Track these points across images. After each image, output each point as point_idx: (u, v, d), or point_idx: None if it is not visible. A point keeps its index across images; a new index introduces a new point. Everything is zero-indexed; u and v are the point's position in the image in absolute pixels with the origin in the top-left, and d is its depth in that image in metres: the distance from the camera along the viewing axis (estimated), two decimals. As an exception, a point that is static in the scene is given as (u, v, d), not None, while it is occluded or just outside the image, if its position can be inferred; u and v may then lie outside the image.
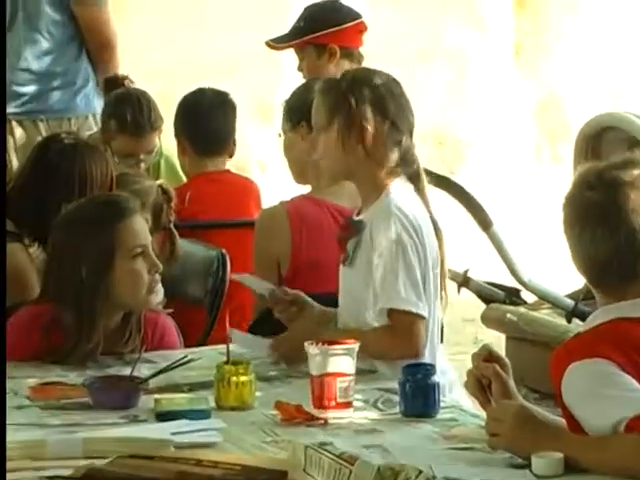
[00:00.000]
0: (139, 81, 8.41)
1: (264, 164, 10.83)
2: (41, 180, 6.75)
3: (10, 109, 9.23)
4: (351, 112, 5.76)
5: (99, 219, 5.70)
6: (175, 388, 5.15)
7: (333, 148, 5.77)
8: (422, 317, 5.57)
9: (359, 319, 5.73)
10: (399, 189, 5.89)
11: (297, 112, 6.92)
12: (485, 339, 7.22)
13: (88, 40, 9.44)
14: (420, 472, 3.86)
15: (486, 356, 4.55)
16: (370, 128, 5.73)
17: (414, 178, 6.03)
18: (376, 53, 7.91)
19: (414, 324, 5.51)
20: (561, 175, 4.26)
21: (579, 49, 14.40)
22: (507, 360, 4.49)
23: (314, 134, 6.02)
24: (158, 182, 7.08)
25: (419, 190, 6.04)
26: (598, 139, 6.63)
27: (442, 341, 5.90)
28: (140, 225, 5.82)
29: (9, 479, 4.19)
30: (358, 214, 5.85)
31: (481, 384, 4.17)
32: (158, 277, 5.82)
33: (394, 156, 5.84)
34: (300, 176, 6.88)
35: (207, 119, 8.28)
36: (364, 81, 5.92)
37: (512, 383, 4.49)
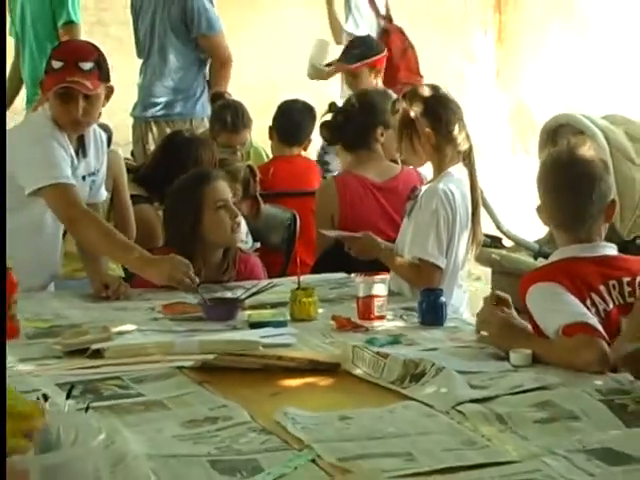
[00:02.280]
0: (235, 94, 8.23)
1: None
2: (167, 161, 6.60)
3: (148, 114, 9.23)
4: (414, 124, 5.63)
5: (192, 185, 5.77)
6: (262, 306, 5.18)
7: (409, 150, 5.67)
8: (439, 267, 5.59)
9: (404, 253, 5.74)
10: (452, 174, 5.79)
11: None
12: (477, 273, 7.13)
13: (213, 61, 9.14)
14: (433, 364, 4.07)
15: (495, 299, 4.54)
16: (429, 131, 5.56)
17: (465, 157, 5.82)
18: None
19: (432, 271, 5.58)
20: (531, 164, 4.29)
21: (542, 73, 14.20)
22: (509, 297, 4.52)
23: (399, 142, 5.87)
24: (247, 163, 7.03)
25: (469, 167, 5.83)
26: (555, 132, 6.64)
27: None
28: (222, 187, 5.86)
29: (149, 367, 4.25)
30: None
31: None
32: (240, 220, 5.90)
33: (450, 147, 5.66)
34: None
35: (293, 119, 8.36)
36: (416, 97, 5.72)
37: (513, 312, 4.49)
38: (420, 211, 5.65)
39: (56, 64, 5.47)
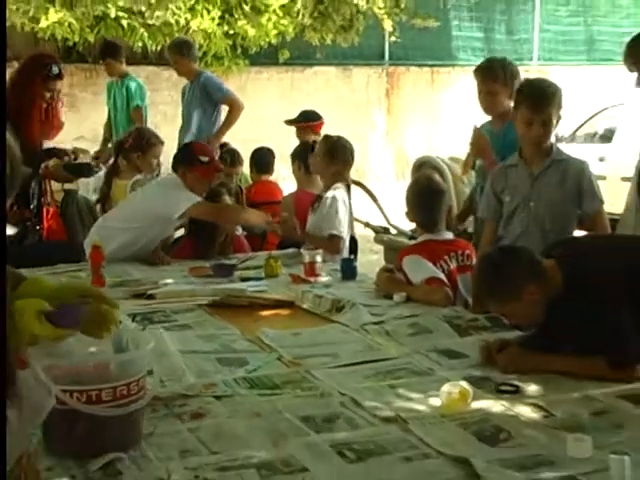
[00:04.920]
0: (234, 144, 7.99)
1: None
2: None
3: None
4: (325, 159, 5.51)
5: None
6: (247, 268, 5.00)
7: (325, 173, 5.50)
8: (342, 238, 5.26)
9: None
10: (339, 186, 5.38)
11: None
12: (376, 249, 6.97)
13: (230, 109, 7.82)
14: (349, 301, 4.08)
15: (385, 267, 4.56)
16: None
17: (345, 179, 5.51)
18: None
19: (338, 240, 5.21)
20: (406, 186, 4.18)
21: (413, 133, 14.19)
22: (392, 266, 4.44)
23: None
24: (238, 184, 6.57)
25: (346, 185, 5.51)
26: (419, 167, 6.65)
27: (357, 250, 5.56)
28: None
29: (181, 305, 4.21)
30: None
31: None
32: None
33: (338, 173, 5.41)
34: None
35: (263, 159, 7.35)
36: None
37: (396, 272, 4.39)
38: (323, 207, 5.25)
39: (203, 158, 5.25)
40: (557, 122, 4.22)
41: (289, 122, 7.52)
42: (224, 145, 7.80)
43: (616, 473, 2.23)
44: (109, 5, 9.29)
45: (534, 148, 4.20)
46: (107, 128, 8.67)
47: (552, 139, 4.29)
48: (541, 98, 4.13)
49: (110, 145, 8.23)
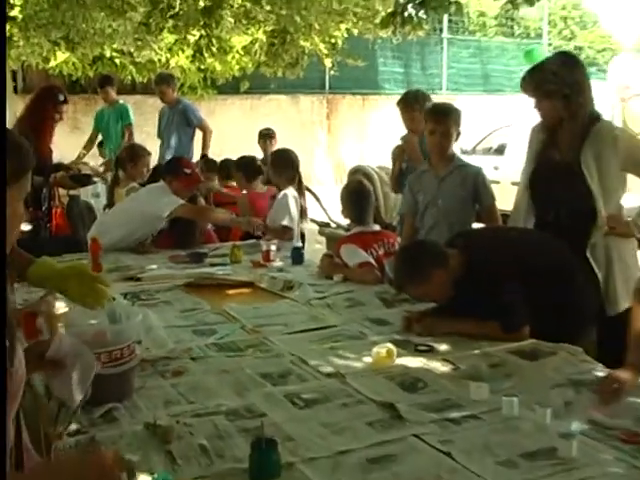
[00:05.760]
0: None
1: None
2: None
3: None
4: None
5: None
6: (216, 256, 4.88)
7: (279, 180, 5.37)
8: (292, 228, 5.14)
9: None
10: (290, 188, 5.30)
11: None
12: (319, 239, 6.77)
13: (203, 134, 7.99)
14: (297, 281, 4.05)
15: (327, 254, 4.77)
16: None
17: (297, 183, 5.41)
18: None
19: (289, 230, 5.12)
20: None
21: (348, 147, 14.22)
22: (333, 254, 4.37)
23: None
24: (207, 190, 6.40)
25: (299, 188, 5.44)
26: (354, 173, 6.59)
27: (305, 241, 5.42)
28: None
29: (163, 285, 4.13)
30: None
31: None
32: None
33: (288, 178, 5.37)
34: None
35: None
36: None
37: (335, 258, 4.30)
38: (278, 204, 5.16)
39: (187, 171, 5.15)
40: (457, 136, 4.22)
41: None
42: (204, 156, 7.80)
43: (507, 411, 2.29)
44: (105, 47, 9.40)
45: (439, 156, 4.20)
46: (88, 143, 8.58)
47: (454, 150, 4.27)
48: (442, 113, 4.16)
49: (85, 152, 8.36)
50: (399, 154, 5.10)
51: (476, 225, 4.23)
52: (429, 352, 2.89)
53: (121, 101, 8.53)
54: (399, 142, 5.16)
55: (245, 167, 5.89)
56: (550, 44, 17.84)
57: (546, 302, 2.98)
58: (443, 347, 2.95)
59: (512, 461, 2.00)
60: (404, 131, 5.13)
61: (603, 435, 2.12)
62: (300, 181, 5.45)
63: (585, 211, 3.38)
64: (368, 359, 2.80)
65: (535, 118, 3.60)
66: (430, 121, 4.18)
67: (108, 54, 10.37)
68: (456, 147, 4.38)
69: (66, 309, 2.95)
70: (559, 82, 3.36)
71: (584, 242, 3.40)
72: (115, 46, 9.37)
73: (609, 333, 3.04)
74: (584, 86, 3.44)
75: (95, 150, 8.76)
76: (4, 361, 1.43)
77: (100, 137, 8.66)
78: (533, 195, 3.59)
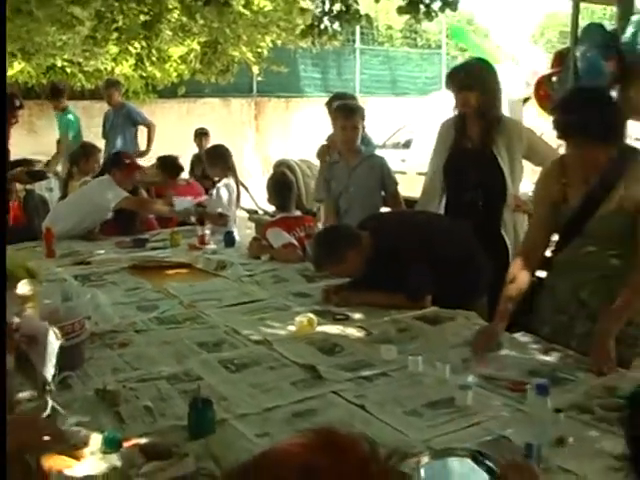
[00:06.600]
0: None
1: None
2: None
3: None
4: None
5: None
6: (156, 240, 4.78)
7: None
8: (227, 215, 4.98)
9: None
10: (229, 178, 5.18)
11: None
12: (248, 225, 6.49)
13: (148, 130, 7.79)
14: (230, 261, 3.98)
15: (255, 239, 4.34)
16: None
17: (233, 174, 5.28)
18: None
19: (225, 217, 4.94)
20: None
21: (275, 144, 14.14)
22: (261, 238, 4.23)
23: None
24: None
25: (235, 178, 5.26)
26: (278, 166, 6.52)
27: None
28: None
29: (109, 268, 4.00)
30: None
31: None
32: None
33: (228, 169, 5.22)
34: None
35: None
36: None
37: (263, 240, 4.18)
38: (215, 194, 5.02)
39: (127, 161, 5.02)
40: (362, 129, 4.25)
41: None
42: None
43: (413, 368, 2.33)
44: (56, 57, 9.29)
45: (349, 148, 4.19)
46: (58, 144, 8.36)
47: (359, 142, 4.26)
48: (350, 110, 4.15)
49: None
50: (324, 152, 5.08)
51: (384, 209, 4.22)
52: (345, 320, 2.90)
53: (69, 108, 8.15)
54: (324, 142, 5.13)
55: (166, 165, 5.85)
56: (448, 54, 18.14)
57: (449, 277, 2.99)
58: (357, 316, 2.96)
59: (417, 411, 2.05)
60: (324, 129, 5.11)
61: (494, 385, 2.19)
62: (234, 172, 5.35)
63: (497, 191, 3.47)
64: (292, 327, 2.80)
65: (436, 117, 3.66)
66: (340, 118, 4.16)
67: (59, 64, 10.22)
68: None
69: (31, 292, 2.91)
70: (477, 78, 3.47)
71: (498, 219, 3.49)
72: (66, 56, 9.25)
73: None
74: (495, 87, 3.54)
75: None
76: (4, 361, 1.43)
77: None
78: (448, 180, 3.63)
